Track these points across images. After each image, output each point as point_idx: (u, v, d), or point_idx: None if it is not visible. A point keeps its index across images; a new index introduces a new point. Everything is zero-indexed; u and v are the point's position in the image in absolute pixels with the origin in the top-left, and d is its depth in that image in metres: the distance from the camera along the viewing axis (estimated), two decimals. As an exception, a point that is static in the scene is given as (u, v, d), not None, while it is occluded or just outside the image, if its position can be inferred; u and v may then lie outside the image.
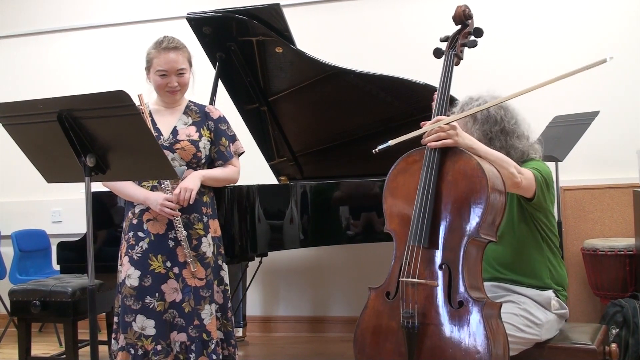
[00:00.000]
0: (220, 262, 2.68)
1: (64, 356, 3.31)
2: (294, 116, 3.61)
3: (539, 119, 3.69)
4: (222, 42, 3.29)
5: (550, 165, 3.55)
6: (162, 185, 2.54)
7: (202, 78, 3.64)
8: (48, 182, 2.25)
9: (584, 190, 3.98)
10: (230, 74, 3.42)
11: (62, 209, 4.83)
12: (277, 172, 3.86)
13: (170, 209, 2.50)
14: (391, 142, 2.02)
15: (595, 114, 3.58)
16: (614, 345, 2.26)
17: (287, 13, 3.19)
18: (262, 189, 3.02)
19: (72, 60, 4.93)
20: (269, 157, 3.80)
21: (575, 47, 4.05)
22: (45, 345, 4.29)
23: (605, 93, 3.98)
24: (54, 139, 1.97)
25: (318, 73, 3.31)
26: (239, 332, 4.19)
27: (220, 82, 3.39)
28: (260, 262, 3.56)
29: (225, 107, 3.52)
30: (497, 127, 2.24)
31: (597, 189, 3.97)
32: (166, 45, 2.60)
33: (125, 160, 2.05)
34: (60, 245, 3.86)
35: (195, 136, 2.64)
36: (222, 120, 2.76)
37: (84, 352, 3.32)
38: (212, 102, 3.28)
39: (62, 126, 1.92)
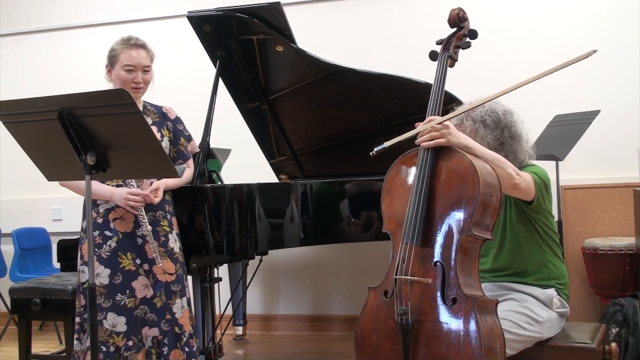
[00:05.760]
0: (182, 258, 2.74)
1: (64, 354, 3.31)
2: (295, 115, 3.60)
3: (539, 118, 3.71)
4: (223, 40, 3.28)
5: (551, 164, 3.57)
6: (126, 181, 2.59)
7: (202, 77, 3.67)
8: (48, 180, 2.25)
9: (585, 190, 3.98)
10: (230, 72, 3.41)
11: (63, 207, 4.83)
12: (277, 171, 3.86)
13: (134, 201, 2.53)
14: (386, 144, 2.04)
15: (595, 113, 3.58)
16: (614, 345, 2.26)
17: (288, 12, 3.18)
18: (263, 187, 3.02)
19: (73, 59, 4.92)
20: (269, 155, 3.80)
21: (575, 48, 4.02)
22: (46, 343, 4.29)
23: (606, 92, 3.97)
24: (54, 137, 1.97)
25: (319, 72, 3.30)
26: (239, 330, 4.20)
27: (220, 81, 3.39)
28: (261, 261, 3.56)
29: (226, 105, 3.55)
30: (507, 132, 2.25)
31: (597, 188, 3.96)
32: (134, 42, 2.67)
33: (125, 159, 2.06)
34: (61, 243, 3.87)
35: (157, 137, 2.65)
36: (179, 120, 2.85)
37: (84, 350, 3.32)
38: (212, 101, 3.27)
39: (63, 124, 1.93)
